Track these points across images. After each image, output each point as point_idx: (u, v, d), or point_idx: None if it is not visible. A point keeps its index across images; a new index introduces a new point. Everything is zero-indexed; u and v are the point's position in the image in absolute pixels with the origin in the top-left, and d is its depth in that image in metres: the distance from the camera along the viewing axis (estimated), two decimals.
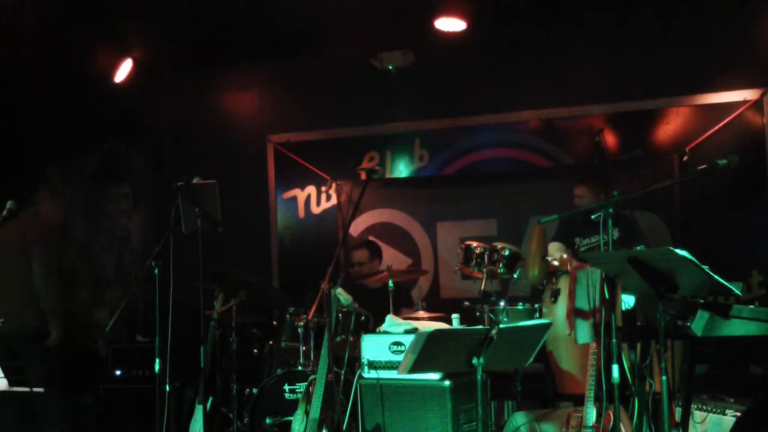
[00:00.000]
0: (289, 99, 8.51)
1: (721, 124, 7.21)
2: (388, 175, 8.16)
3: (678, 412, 5.21)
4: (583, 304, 5.34)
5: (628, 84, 7.44)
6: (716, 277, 4.13)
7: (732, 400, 5.49)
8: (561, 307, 5.58)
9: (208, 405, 5.98)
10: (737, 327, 4.43)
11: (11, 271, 6.52)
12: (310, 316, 6.13)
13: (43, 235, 6.63)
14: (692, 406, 5.35)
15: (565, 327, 5.46)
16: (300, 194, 8.42)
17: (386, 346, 5.39)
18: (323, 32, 7.59)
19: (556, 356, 5.70)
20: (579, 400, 5.09)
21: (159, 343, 5.32)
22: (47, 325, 6.49)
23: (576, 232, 6.48)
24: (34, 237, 6.55)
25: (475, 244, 6.18)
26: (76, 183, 8.72)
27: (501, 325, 4.32)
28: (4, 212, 5.52)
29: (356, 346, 5.57)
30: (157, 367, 5.26)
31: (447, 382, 5.15)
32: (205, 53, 8.14)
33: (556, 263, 5.69)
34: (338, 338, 5.88)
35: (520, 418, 5.48)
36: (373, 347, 5.45)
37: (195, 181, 5.53)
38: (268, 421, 5.90)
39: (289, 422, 5.62)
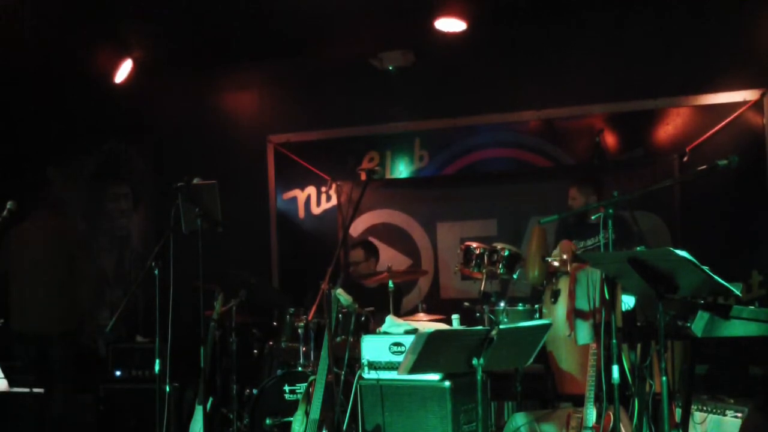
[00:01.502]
0: (289, 99, 8.50)
1: (722, 124, 7.20)
2: (388, 176, 8.15)
3: (678, 412, 5.22)
4: (583, 304, 5.35)
5: (628, 84, 7.44)
6: (716, 277, 4.13)
7: (732, 401, 5.49)
8: (561, 308, 5.58)
9: (208, 405, 5.98)
10: (737, 327, 4.43)
11: (42, 272, 6.54)
12: (310, 317, 6.13)
13: (84, 247, 6.68)
14: (692, 406, 5.35)
15: (565, 327, 5.46)
16: (300, 194, 8.42)
17: (386, 347, 5.39)
18: (323, 32, 7.58)
19: (556, 357, 5.70)
20: (579, 401, 5.10)
21: (159, 344, 5.33)
22: (72, 325, 6.52)
23: (572, 234, 6.49)
24: (78, 251, 6.58)
25: (474, 244, 6.18)
26: (76, 183, 8.72)
27: (501, 326, 4.31)
28: (4, 212, 5.53)
29: (356, 347, 5.57)
30: (157, 368, 5.27)
31: (447, 383, 5.16)
32: (205, 53, 8.13)
33: (556, 264, 5.69)
34: (338, 339, 5.88)
35: (520, 419, 5.48)
36: (373, 348, 5.45)
37: (195, 181, 5.54)
38: (268, 421, 5.90)
39: (289, 423, 5.62)
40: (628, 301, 5.14)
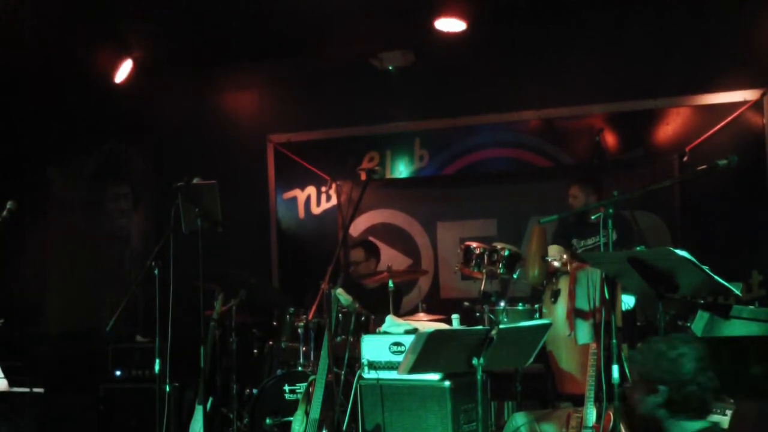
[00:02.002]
0: (289, 99, 8.50)
1: (721, 124, 7.20)
2: (388, 175, 8.15)
3: None
4: (583, 304, 5.35)
5: (628, 84, 7.44)
6: (716, 277, 4.13)
7: (732, 401, 5.47)
8: (561, 308, 5.58)
9: (208, 405, 5.98)
10: (737, 327, 4.44)
11: (72, 273, 6.57)
12: (310, 317, 6.13)
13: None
14: None
15: (565, 327, 5.46)
16: (300, 194, 8.42)
17: (386, 347, 5.39)
18: (323, 32, 7.59)
19: (556, 356, 5.70)
20: (579, 401, 5.10)
21: (159, 344, 5.33)
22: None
23: (573, 233, 6.49)
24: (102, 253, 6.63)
25: (474, 244, 6.18)
26: (76, 183, 8.72)
27: (501, 326, 4.31)
28: (4, 212, 5.53)
29: (356, 347, 5.57)
30: (157, 368, 5.27)
31: (447, 383, 5.15)
32: (205, 53, 8.13)
33: (556, 263, 5.69)
34: (338, 338, 5.88)
35: (520, 419, 5.48)
36: (373, 348, 5.45)
37: (195, 181, 5.53)
38: (268, 421, 5.90)
39: (289, 422, 5.62)
40: (628, 301, 5.15)
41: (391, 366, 5.33)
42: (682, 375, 3.03)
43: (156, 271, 5.37)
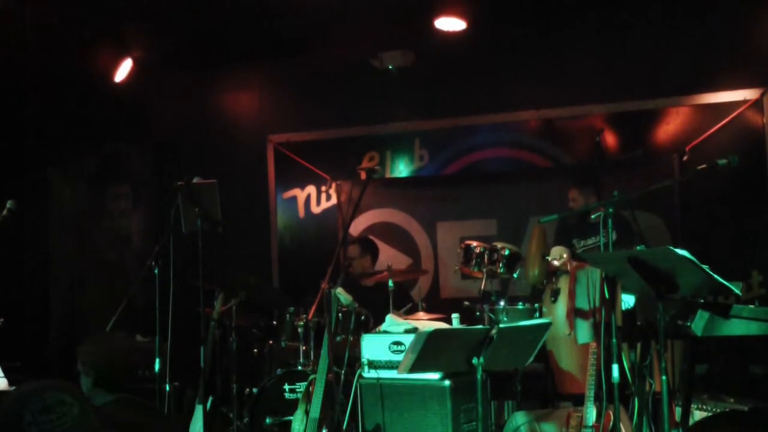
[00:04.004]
0: (289, 99, 8.50)
1: (721, 123, 7.21)
2: (388, 175, 8.16)
3: (678, 411, 5.22)
4: (583, 303, 5.35)
5: (628, 84, 7.44)
6: (716, 276, 4.13)
7: (732, 400, 5.48)
8: (561, 307, 5.58)
9: (208, 405, 5.98)
10: (737, 327, 4.43)
11: (66, 273, 6.58)
12: (310, 316, 6.13)
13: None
14: (692, 405, 5.35)
15: (565, 327, 5.47)
16: (300, 194, 8.42)
17: (386, 346, 5.39)
18: (323, 32, 7.59)
19: (556, 356, 5.70)
20: (579, 400, 5.10)
21: (159, 343, 5.33)
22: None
23: (573, 234, 6.49)
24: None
25: (474, 243, 6.18)
26: (76, 183, 8.72)
27: (501, 325, 4.32)
28: (5, 212, 5.53)
29: (356, 346, 5.57)
30: (157, 367, 5.27)
31: (447, 382, 5.15)
32: (205, 53, 8.14)
33: (556, 263, 5.69)
34: (338, 338, 5.88)
35: (520, 418, 5.47)
36: (373, 347, 5.45)
37: (195, 180, 5.53)
38: (268, 420, 5.90)
39: (289, 422, 5.61)
40: (628, 301, 5.14)
41: (391, 365, 5.33)
42: None
43: (156, 271, 5.37)
